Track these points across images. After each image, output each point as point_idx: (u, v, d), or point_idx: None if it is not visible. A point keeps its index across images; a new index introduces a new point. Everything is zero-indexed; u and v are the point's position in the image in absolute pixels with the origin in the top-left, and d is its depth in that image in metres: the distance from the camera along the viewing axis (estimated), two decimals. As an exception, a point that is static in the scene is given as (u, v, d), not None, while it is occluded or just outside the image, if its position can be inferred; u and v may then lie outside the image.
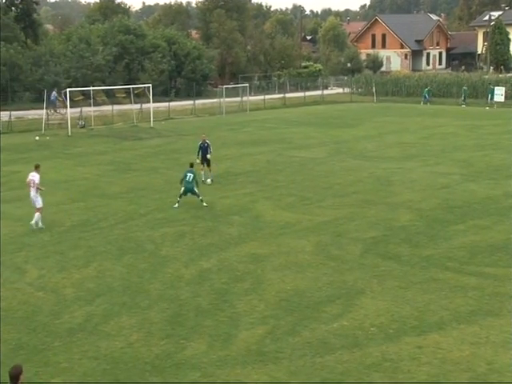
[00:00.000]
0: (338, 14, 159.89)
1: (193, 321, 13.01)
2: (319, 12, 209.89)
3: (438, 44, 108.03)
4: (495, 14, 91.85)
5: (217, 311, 13.44)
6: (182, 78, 69.17)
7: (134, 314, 13.35)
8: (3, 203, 22.52)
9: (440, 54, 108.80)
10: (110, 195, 24.05)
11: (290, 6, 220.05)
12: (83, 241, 18.38)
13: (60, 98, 49.64)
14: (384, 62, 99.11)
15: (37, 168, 19.94)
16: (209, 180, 25.65)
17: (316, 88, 75.03)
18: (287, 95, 65.18)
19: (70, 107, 42.69)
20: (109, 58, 62.98)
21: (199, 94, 63.53)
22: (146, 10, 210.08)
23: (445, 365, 11.14)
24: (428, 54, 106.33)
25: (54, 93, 50.64)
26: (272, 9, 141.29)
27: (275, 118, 50.32)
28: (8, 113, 44.84)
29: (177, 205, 21.80)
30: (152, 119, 45.52)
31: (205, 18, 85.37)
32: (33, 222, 19.29)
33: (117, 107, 50.10)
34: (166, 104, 53.62)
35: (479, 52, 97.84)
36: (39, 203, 19.47)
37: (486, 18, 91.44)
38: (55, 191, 24.70)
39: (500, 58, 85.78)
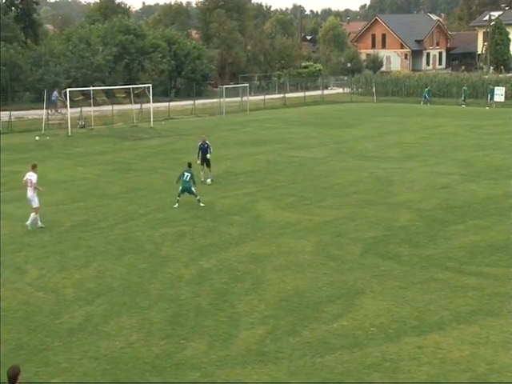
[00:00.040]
0: (338, 14, 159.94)
1: (193, 321, 13.01)
2: (319, 12, 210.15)
3: (438, 44, 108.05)
4: (495, 13, 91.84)
5: (217, 311, 13.44)
6: (182, 77, 69.17)
7: (134, 314, 13.35)
8: (3, 203, 22.53)
9: (440, 54, 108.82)
10: (110, 195, 24.05)
11: (290, 6, 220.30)
12: (83, 241, 18.38)
13: (61, 98, 49.64)
14: (384, 62, 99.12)
15: (34, 168, 19.90)
16: (209, 180, 25.65)
17: (316, 88, 75.03)
18: (287, 95, 65.18)
19: (70, 107, 42.69)
20: (109, 57, 62.98)
21: (199, 94, 63.53)
22: (146, 9, 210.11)
23: (445, 365, 11.15)
24: (428, 54, 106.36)
25: (54, 93, 50.65)
26: (272, 9, 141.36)
27: (275, 118, 50.32)
28: (8, 113, 44.84)
29: (177, 205, 21.81)
30: (152, 119, 45.53)
31: (205, 18, 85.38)
32: (28, 222, 19.23)
33: (117, 107, 50.11)
34: (166, 104, 53.63)
35: (479, 52, 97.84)
36: (35, 203, 19.42)
37: (486, 18, 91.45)
38: (55, 191, 24.73)
39: (500, 58, 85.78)
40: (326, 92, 70.89)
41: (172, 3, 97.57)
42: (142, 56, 66.22)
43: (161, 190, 24.43)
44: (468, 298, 13.94)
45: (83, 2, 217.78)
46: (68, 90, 43.76)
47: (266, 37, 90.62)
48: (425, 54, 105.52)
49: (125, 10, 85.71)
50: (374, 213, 20.88)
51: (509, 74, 73.00)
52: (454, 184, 25.00)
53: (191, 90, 60.72)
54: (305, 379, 10.80)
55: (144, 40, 67.40)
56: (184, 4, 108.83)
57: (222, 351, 11.72)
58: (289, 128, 43.33)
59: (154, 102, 48.12)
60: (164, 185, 25.30)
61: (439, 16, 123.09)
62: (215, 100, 56.70)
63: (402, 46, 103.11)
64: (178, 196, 21.83)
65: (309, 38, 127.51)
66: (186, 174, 21.74)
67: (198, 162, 25.63)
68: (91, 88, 47.24)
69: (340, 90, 76.10)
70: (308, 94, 67.30)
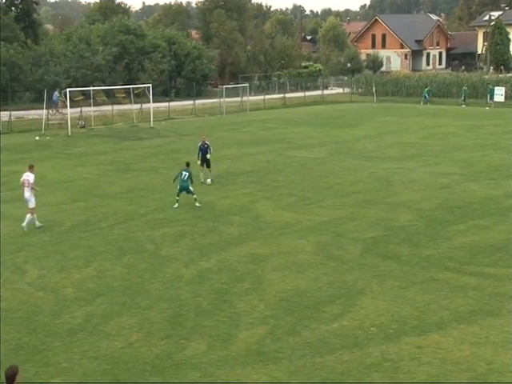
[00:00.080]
0: (338, 14, 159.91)
1: (193, 321, 13.01)
2: (319, 12, 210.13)
3: (438, 44, 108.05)
4: (495, 14, 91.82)
5: (217, 311, 13.44)
6: (182, 77, 69.18)
7: (134, 314, 13.36)
8: (3, 203, 22.53)
9: (440, 54, 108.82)
10: (110, 195, 24.05)
11: (290, 6, 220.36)
12: (83, 241, 18.38)
13: (62, 98, 49.64)
14: (384, 62, 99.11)
15: (31, 168, 19.81)
16: (209, 180, 25.65)
17: (316, 88, 75.04)
18: (287, 95, 65.19)
19: (70, 107, 42.70)
20: (109, 57, 62.98)
21: (199, 94, 63.53)
22: (146, 10, 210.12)
23: (445, 365, 11.15)
24: (428, 54, 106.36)
25: (55, 93, 50.64)
26: (272, 9, 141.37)
27: (275, 118, 50.32)
28: (8, 113, 44.84)
29: (176, 205, 21.82)
30: (152, 119, 45.53)
31: (205, 18, 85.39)
32: (24, 223, 19.15)
33: (117, 107, 50.12)
34: (166, 104, 53.63)
35: (479, 52, 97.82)
36: (32, 203, 19.34)
37: (486, 18, 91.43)
38: (55, 191, 24.74)
39: (500, 58, 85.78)
40: (326, 92, 70.90)
41: (172, 3, 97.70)
42: (142, 56, 66.23)
43: (161, 190, 24.42)
44: (468, 297, 13.94)
45: (83, 2, 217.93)
46: (68, 90, 43.75)
47: (266, 37, 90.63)
48: (425, 54, 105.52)
49: (125, 10, 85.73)
50: (373, 213, 20.88)
51: (509, 74, 73.00)
52: (454, 184, 25.00)
53: (191, 90, 60.72)
54: (305, 379, 10.80)
55: (144, 40, 67.41)
56: (184, 4, 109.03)
57: (222, 351, 11.72)
58: (289, 128, 43.33)
59: (154, 102, 48.13)
60: (164, 185, 25.29)
61: (439, 16, 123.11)
62: (215, 100, 56.71)
63: (402, 46, 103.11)
64: (177, 196, 21.85)
65: (309, 38, 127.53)
66: (184, 172, 21.77)
67: (199, 162, 25.64)
68: (91, 88, 47.24)
69: (340, 90, 76.11)
70: (308, 94, 67.30)
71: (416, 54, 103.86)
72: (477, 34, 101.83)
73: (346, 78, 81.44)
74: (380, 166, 28.89)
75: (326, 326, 12.66)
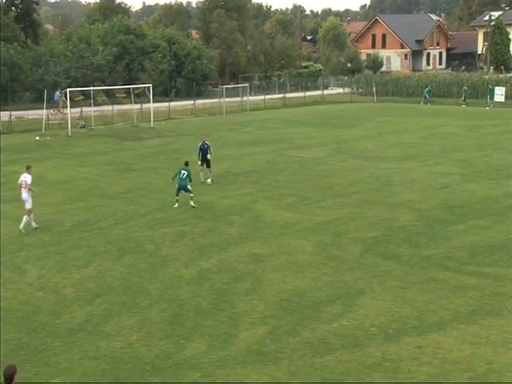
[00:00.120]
0: (338, 14, 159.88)
1: (193, 321, 13.01)
2: (319, 12, 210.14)
3: (438, 44, 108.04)
4: (495, 13, 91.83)
5: (217, 311, 13.44)
6: (182, 78, 69.18)
7: (134, 314, 13.36)
8: (3, 203, 22.53)
9: (440, 53, 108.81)
10: (110, 195, 24.06)
11: (290, 6, 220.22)
12: (83, 241, 18.38)
13: (63, 98, 49.63)
14: (384, 62, 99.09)
15: (28, 169, 19.71)
16: (209, 180, 25.65)
17: (316, 88, 75.03)
18: (287, 95, 65.19)
19: (70, 107, 42.71)
20: (109, 58, 62.98)
21: (199, 94, 63.53)
22: (146, 10, 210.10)
23: (445, 365, 11.15)
24: (428, 54, 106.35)
25: (57, 93, 50.61)
26: (272, 9, 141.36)
27: (275, 118, 50.32)
28: (8, 113, 44.85)
29: (176, 204, 21.83)
30: (152, 119, 45.53)
31: (205, 18, 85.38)
32: (21, 226, 19.09)
33: (117, 107, 50.11)
34: (166, 104, 53.63)
35: (479, 52, 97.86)
36: (29, 204, 19.24)
37: (486, 17, 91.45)
38: (55, 191, 24.74)
39: (500, 58, 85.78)
40: (326, 92, 70.89)
41: (172, 3, 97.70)
42: (142, 56, 66.23)
43: (161, 190, 24.42)
44: (468, 298, 13.94)
45: (83, 2, 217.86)
46: (68, 89, 43.78)
47: (266, 37, 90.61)
48: (425, 54, 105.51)
49: (125, 10, 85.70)
50: (373, 213, 20.88)
51: (509, 74, 73.02)
52: (454, 184, 25.00)
53: (191, 90, 60.72)
54: (305, 379, 10.80)
55: (144, 40, 67.41)
56: (184, 4, 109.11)
57: (222, 351, 11.72)
58: (289, 128, 43.33)
59: (154, 102, 48.13)
60: (164, 185, 25.28)
61: (439, 16, 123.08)
62: (215, 100, 56.70)
63: (402, 46, 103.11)
64: (176, 195, 21.87)
65: (309, 38, 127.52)
66: (182, 171, 21.81)
67: (199, 162, 25.65)
68: (91, 88, 47.25)
69: (340, 90, 76.10)
70: (308, 94, 67.30)
71: (416, 54, 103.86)
72: (477, 34, 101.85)
73: (346, 78, 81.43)
74: (380, 165, 28.89)
75: (326, 325, 12.66)
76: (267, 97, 62.09)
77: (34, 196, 19.83)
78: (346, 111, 55.16)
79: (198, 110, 54.45)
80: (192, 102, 55.85)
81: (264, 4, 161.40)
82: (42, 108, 43.95)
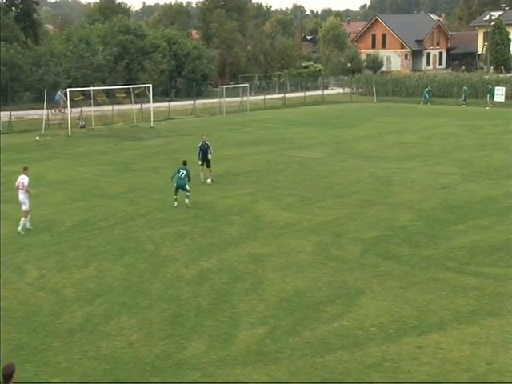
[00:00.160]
0: (338, 14, 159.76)
1: (193, 321, 13.01)
2: (319, 12, 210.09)
3: (438, 44, 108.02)
4: (495, 13, 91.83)
5: (217, 311, 13.44)
6: (182, 78, 69.18)
7: (134, 314, 13.36)
8: (3, 203, 22.53)
9: (440, 53, 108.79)
10: (110, 195, 24.06)
11: (290, 6, 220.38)
12: (83, 241, 18.38)
13: (64, 99, 49.63)
14: (384, 62, 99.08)
15: (25, 170, 19.63)
16: (209, 180, 25.66)
17: (316, 88, 75.02)
18: (287, 95, 65.18)
19: (71, 107, 42.72)
20: (109, 58, 62.97)
21: (199, 94, 63.52)
22: (146, 10, 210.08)
23: (445, 365, 11.15)
24: (428, 54, 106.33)
25: (58, 93, 50.57)
26: (272, 9, 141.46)
27: (275, 118, 50.32)
28: (8, 113, 44.84)
29: (175, 203, 21.85)
30: (152, 119, 45.53)
31: (205, 18, 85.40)
32: (19, 228, 19.07)
33: (117, 107, 50.11)
34: (166, 104, 53.63)
35: (479, 52, 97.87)
36: (26, 206, 19.16)
37: (487, 17, 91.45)
38: (55, 191, 24.74)
39: (500, 58, 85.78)
40: (326, 92, 70.86)
41: (172, 3, 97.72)
42: (142, 56, 66.22)
43: (161, 190, 24.42)
44: (468, 298, 13.94)
45: (83, 2, 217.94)
46: (68, 90, 43.79)
47: (266, 37, 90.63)
48: (425, 54, 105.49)
49: (125, 10, 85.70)
50: (374, 213, 20.88)
51: (509, 74, 73.02)
52: (454, 184, 25.00)
53: (191, 90, 60.71)
54: (305, 379, 10.80)
55: (144, 40, 67.40)
56: (184, 4, 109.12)
57: (222, 351, 11.72)
58: (289, 128, 43.33)
59: (154, 102, 48.12)
60: (164, 185, 25.27)
61: (439, 16, 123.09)
62: (215, 100, 56.69)
63: (402, 46, 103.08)
64: (175, 194, 21.92)
65: (309, 38, 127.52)
66: (181, 171, 21.84)
67: (199, 162, 25.66)
68: (91, 88, 47.24)
69: (340, 90, 76.08)
70: (308, 94, 67.29)
71: (416, 54, 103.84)
72: (477, 34, 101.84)
73: (346, 78, 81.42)
74: (380, 165, 28.89)
75: (326, 326, 12.66)
76: (267, 97, 62.08)
77: (33, 196, 19.85)
78: (346, 111, 55.17)
79: (198, 110, 54.45)
80: (192, 102, 55.84)
81: (264, 4, 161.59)
82: (42, 108, 43.94)
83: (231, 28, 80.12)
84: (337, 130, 41.79)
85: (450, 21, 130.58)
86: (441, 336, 12.17)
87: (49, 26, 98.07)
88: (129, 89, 51.11)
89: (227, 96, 53.74)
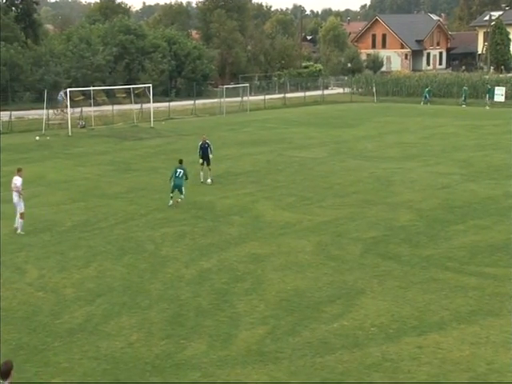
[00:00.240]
0: (338, 14, 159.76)
1: (193, 321, 13.01)
2: (319, 12, 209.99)
3: (438, 44, 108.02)
4: (495, 14, 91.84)
5: (217, 311, 13.45)
6: (183, 78, 69.17)
7: (134, 314, 13.36)
8: (3, 203, 22.49)
9: (440, 54, 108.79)
10: (110, 195, 24.06)
11: (290, 6, 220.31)
12: (83, 241, 18.38)
13: (65, 99, 49.64)
14: (384, 62, 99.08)
15: (19, 171, 19.37)
16: (209, 180, 25.66)
17: (316, 88, 74.98)
18: (287, 95, 65.17)
19: (71, 107, 42.71)
20: (109, 58, 62.97)
21: (199, 94, 63.51)
22: (147, 10, 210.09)
23: (445, 365, 11.15)
24: (428, 54, 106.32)
25: (61, 93, 50.56)
26: (272, 9, 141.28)
27: (275, 118, 50.32)
28: (8, 113, 44.84)
29: (171, 202, 21.89)
30: (152, 119, 45.53)
31: (205, 18, 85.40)
32: (19, 230, 19.02)
33: (117, 107, 50.11)
34: (167, 104, 53.62)
35: (479, 52, 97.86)
36: (21, 208, 19.06)
37: (487, 18, 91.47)
38: (55, 191, 24.74)
39: (500, 58, 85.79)
40: (326, 92, 70.84)
41: (172, 3, 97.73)
42: (142, 56, 66.23)
43: (161, 190, 24.41)
44: (468, 298, 13.94)
45: (83, 2, 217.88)
46: (68, 89, 43.80)
47: (267, 37, 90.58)
48: (425, 54, 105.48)
49: (125, 10, 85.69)
50: (374, 213, 20.88)
51: (509, 74, 73.01)
52: (455, 184, 25.00)
53: (191, 90, 60.70)
54: (305, 379, 10.81)
55: (144, 40, 67.40)
56: (184, 4, 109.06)
57: (222, 351, 11.73)
58: (289, 128, 43.33)
59: (154, 102, 48.13)
60: (164, 185, 25.25)
61: (439, 16, 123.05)
62: (215, 100, 56.70)
63: (402, 46, 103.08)
64: (171, 192, 21.96)
65: (309, 38, 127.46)
66: (178, 170, 21.87)
67: (200, 161, 25.67)
68: (91, 88, 47.24)
69: (340, 90, 76.05)
70: (308, 94, 67.27)
71: (416, 54, 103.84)
72: (477, 34, 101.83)
73: (346, 78, 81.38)
74: (380, 165, 28.89)
75: (327, 326, 12.67)
76: (267, 97, 62.08)
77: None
78: (346, 111, 55.16)
79: (198, 110, 54.45)
80: (192, 102, 55.84)
81: (264, 4, 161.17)
82: (42, 108, 43.94)
83: (231, 28, 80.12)
84: (337, 130, 41.79)
85: (450, 21, 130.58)
86: (441, 336, 12.17)
87: (49, 26, 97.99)
88: (129, 89, 51.12)
89: (227, 96, 53.74)
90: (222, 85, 58.36)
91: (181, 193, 21.90)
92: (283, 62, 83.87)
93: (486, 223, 19.52)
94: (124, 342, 12.11)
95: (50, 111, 46.38)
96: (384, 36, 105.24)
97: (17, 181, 19.11)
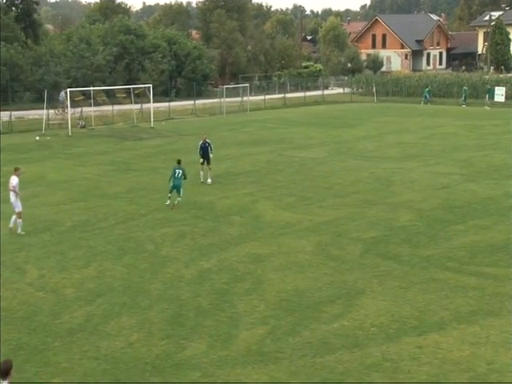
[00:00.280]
0: (338, 14, 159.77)
1: (193, 321, 13.01)
2: (319, 12, 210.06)
3: (438, 44, 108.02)
4: (495, 14, 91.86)
5: (217, 311, 13.45)
6: (183, 78, 69.16)
7: (134, 314, 13.36)
8: (3, 203, 22.47)
9: (440, 54, 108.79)
10: (110, 195, 24.06)
11: (290, 6, 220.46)
12: (83, 241, 18.38)
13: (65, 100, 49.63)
14: (384, 62, 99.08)
15: (16, 171, 19.30)
16: (209, 180, 25.66)
17: (316, 88, 75.00)
18: (287, 95, 65.17)
19: (71, 107, 42.70)
20: (109, 58, 62.97)
21: (199, 94, 63.50)
22: (147, 10, 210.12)
23: (445, 365, 11.15)
24: (428, 54, 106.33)
25: (62, 93, 50.56)
26: (272, 9, 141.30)
27: (275, 118, 50.32)
28: (8, 113, 44.83)
29: (168, 201, 21.89)
30: (152, 119, 45.53)
31: (205, 18, 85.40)
32: (19, 230, 19.01)
33: (117, 107, 50.12)
34: (167, 104, 53.62)
35: (479, 52, 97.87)
36: (18, 208, 19.01)
37: (487, 18, 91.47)
38: (55, 191, 24.74)
39: (500, 58, 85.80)
40: (326, 92, 70.84)
41: (172, 3, 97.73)
42: (142, 56, 66.22)
43: (161, 190, 24.39)
44: (468, 298, 13.94)
45: (83, 2, 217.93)
46: (68, 90, 43.80)
47: (267, 37, 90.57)
48: (425, 54, 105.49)
49: (125, 10, 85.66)
50: (374, 213, 20.88)
51: (509, 74, 73.01)
52: (455, 184, 25.00)
53: (191, 90, 60.69)
54: (305, 379, 10.81)
55: (144, 40, 67.39)
56: (184, 4, 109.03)
57: (223, 351, 11.73)
58: (289, 128, 43.33)
59: (154, 102, 48.11)
60: (164, 185, 25.22)
61: (439, 16, 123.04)
62: (215, 100, 56.69)
63: (402, 46, 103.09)
64: (169, 192, 21.97)
65: (309, 38, 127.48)
66: (177, 170, 21.88)
67: (201, 160, 25.68)
68: (91, 88, 47.23)
69: (340, 90, 76.06)
70: (308, 94, 67.28)
71: (416, 54, 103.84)
72: (477, 34, 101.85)
73: (346, 78, 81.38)
74: (380, 165, 28.89)
75: (327, 326, 12.66)
76: (267, 97, 62.08)
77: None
78: (346, 111, 55.16)
79: (198, 110, 54.45)
80: (192, 102, 55.83)
81: (264, 4, 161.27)
82: (42, 108, 43.93)
83: (231, 28, 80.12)
84: (337, 130, 41.79)
85: (450, 21, 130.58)
86: (441, 336, 12.17)
87: (49, 26, 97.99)
88: (129, 89, 51.12)
89: (227, 96, 53.74)
90: (222, 85, 58.36)
91: (179, 194, 21.90)
92: (283, 62, 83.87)
93: (486, 223, 19.52)
94: (124, 342, 12.11)
95: (50, 111, 46.39)
96: (384, 36, 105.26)
97: (13, 180, 19.05)
